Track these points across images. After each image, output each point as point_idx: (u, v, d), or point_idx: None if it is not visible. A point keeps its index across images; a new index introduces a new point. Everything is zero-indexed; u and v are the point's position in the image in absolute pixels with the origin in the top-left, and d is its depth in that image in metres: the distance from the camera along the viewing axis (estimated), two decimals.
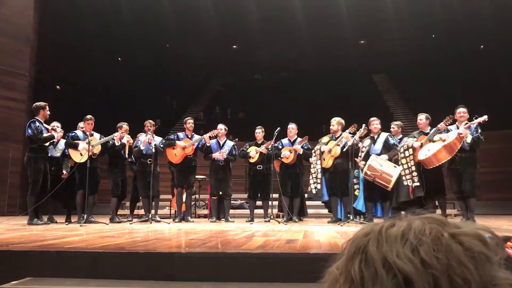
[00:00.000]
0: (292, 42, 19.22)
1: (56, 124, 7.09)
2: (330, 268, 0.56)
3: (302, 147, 7.35)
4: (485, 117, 5.89)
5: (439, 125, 6.20)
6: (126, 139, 7.26)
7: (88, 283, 2.43)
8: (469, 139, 5.89)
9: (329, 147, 6.85)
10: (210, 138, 7.59)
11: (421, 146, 6.15)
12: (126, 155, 7.45)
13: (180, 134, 7.76)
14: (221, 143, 7.75)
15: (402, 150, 6.35)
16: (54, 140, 6.74)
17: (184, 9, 17.22)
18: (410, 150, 6.26)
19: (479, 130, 5.98)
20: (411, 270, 0.48)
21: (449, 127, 6.12)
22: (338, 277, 0.53)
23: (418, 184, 6.08)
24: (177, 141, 7.52)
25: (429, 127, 6.40)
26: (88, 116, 7.12)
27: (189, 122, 7.77)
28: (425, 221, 0.53)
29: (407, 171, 6.19)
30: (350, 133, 6.77)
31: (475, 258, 0.48)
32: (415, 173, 6.11)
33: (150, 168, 7.03)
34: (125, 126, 7.50)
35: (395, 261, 0.49)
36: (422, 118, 6.50)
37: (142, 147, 7.32)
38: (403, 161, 6.27)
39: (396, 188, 6.32)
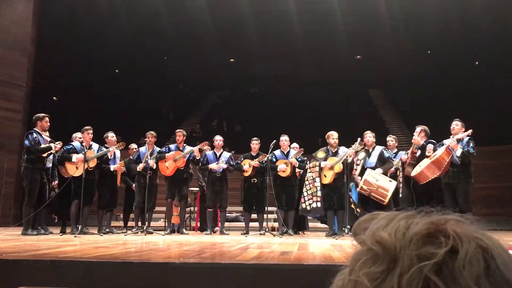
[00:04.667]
0: (289, 56, 19.36)
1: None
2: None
3: (296, 159, 7.35)
4: (469, 131, 5.98)
5: (413, 139, 6.51)
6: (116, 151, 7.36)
7: None
8: (458, 152, 5.93)
9: (331, 164, 6.83)
10: (200, 150, 7.57)
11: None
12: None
13: (172, 147, 7.78)
14: (218, 154, 7.77)
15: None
16: (51, 151, 6.72)
17: (182, 22, 17.34)
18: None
19: (471, 144, 6.00)
20: None
21: (444, 141, 6.15)
22: None
23: (400, 195, 6.64)
24: (166, 154, 7.52)
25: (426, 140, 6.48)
26: (87, 127, 7.14)
27: (178, 135, 7.78)
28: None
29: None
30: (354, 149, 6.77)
31: None
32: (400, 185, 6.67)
33: (146, 180, 7.02)
34: (110, 134, 7.54)
35: None
36: (417, 131, 6.55)
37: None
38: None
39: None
